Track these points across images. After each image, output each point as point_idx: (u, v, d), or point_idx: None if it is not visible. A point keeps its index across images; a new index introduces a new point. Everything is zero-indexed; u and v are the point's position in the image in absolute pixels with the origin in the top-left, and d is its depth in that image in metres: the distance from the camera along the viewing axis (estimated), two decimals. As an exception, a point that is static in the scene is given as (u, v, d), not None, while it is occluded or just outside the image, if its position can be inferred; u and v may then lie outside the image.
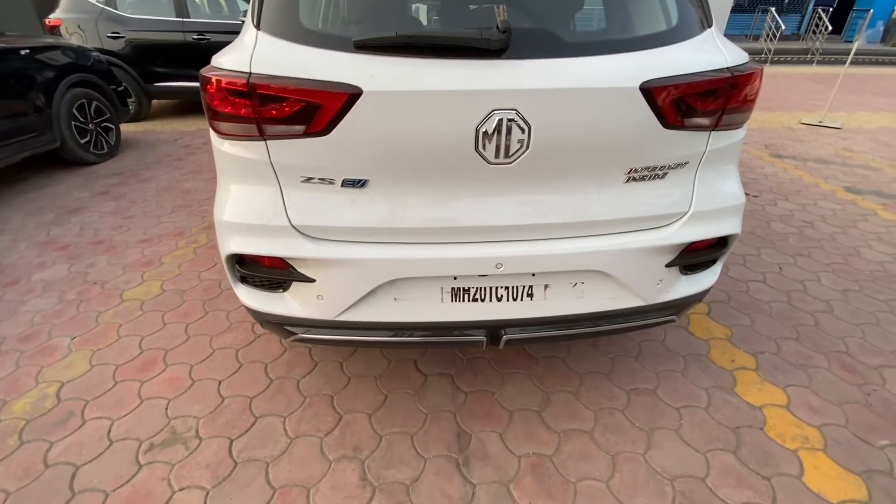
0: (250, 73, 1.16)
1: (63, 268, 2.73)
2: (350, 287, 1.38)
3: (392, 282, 1.38)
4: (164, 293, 2.49)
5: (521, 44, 1.17)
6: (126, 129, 5.44)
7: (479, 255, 1.34)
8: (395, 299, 1.41)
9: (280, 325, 1.50)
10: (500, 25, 1.12)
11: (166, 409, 1.78)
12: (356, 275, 1.36)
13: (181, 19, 5.58)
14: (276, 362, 2.01)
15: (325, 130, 1.19)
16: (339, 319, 1.43)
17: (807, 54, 12.74)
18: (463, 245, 1.36)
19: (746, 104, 1.34)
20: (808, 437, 1.66)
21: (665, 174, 1.38)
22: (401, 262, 1.34)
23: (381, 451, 1.62)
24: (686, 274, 1.57)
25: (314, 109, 1.16)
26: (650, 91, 1.21)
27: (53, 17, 5.42)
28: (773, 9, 11.66)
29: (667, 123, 1.26)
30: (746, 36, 15.97)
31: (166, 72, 5.72)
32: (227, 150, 1.30)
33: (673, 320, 1.61)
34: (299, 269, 1.38)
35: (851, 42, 6.34)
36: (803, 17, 17.44)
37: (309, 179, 1.28)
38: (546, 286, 1.44)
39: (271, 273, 1.42)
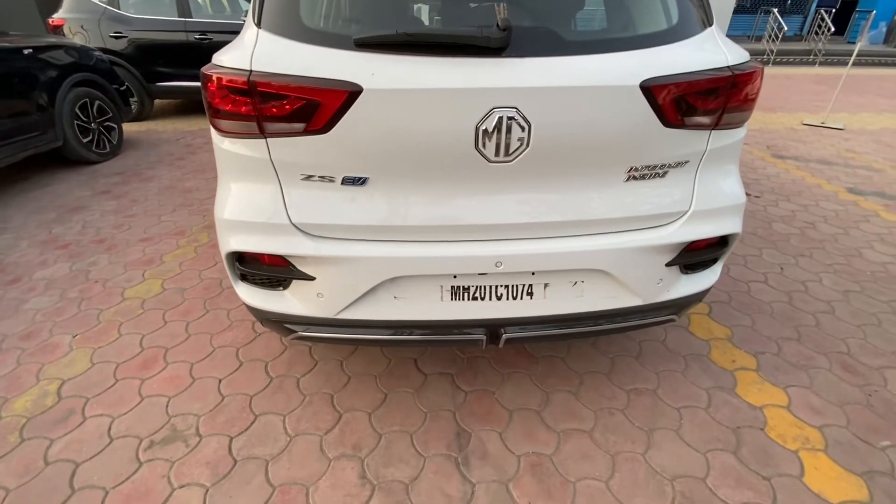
0: (251, 71, 1.16)
1: (64, 266, 2.74)
2: (350, 285, 1.38)
3: (392, 280, 1.38)
4: (165, 291, 2.49)
5: (521, 42, 1.17)
6: (128, 128, 5.46)
7: (478, 253, 1.34)
8: (395, 297, 1.41)
9: (280, 323, 1.51)
10: (500, 24, 1.12)
11: (166, 406, 1.79)
12: (356, 273, 1.36)
13: (183, 19, 5.60)
14: (277, 361, 2.01)
15: (326, 128, 1.19)
16: (338, 317, 1.43)
17: (809, 55, 12.72)
18: (463, 243, 1.36)
19: (747, 103, 1.34)
20: (808, 438, 1.66)
21: (665, 173, 1.38)
22: (401, 261, 1.34)
23: (380, 450, 1.62)
24: (686, 273, 1.57)
25: (314, 107, 1.17)
26: (650, 90, 1.21)
27: (57, 17, 5.44)
28: (775, 10, 11.66)
29: (667, 122, 1.26)
30: (749, 37, 15.94)
31: (168, 71, 5.74)
32: (227, 147, 1.30)
33: (673, 320, 1.61)
34: (299, 267, 1.38)
35: (854, 43, 6.33)
36: (806, 17, 17.40)
37: (309, 177, 1.29)
38: (546, 285, 1.44)
39: (271, 271, 1.42)
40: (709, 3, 1.37)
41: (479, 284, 1.42)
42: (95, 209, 3.50)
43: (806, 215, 3.42)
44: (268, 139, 1.23)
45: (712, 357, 2.04)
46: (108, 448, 1.62)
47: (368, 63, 1.15)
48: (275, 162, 1.27)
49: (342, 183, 1.29)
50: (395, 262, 1.35)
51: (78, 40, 5.08)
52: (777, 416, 1.75)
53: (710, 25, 1.36)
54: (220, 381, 1.91)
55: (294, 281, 1.43)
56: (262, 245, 1.35)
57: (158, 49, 5.63)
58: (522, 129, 1.19)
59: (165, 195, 3.76)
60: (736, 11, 14.63)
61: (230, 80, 1.17)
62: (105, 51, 5.04)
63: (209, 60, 1.28)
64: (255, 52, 1.18)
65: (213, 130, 1.33)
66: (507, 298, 1.44)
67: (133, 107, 5.63)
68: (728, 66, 1.27)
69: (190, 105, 6.87)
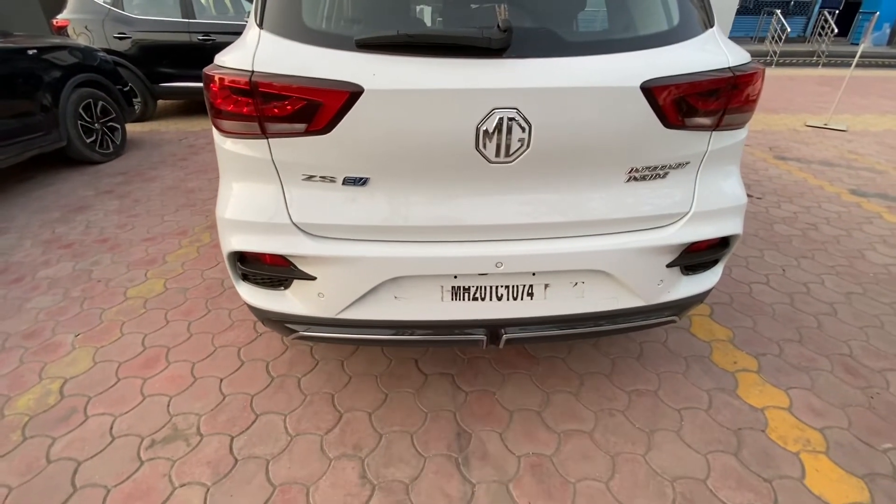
0: (253, 72, 1.17)
1: (68, 265, 2.75)
2: (351, 285, 1.38)
3: (392, 280, 1.38)
4: (168, 291, 2.50)
5: (522, 43, 1.17)
6: (131, 128, 5.48)
7: (479, 253, 1.35)
8: (396, 297, 1.42)
9: (281, 322, 1.51)
10: (500, 25, 1.12)
11: (168, 405, 1.79)
12: (357, 273, 1.36)
13: (187, 20, 5.62)
14: (278, 360, 2.02)
15: (327, 129, 1.19)
16: (339, 317, 1.43)
17: (812, 56, 12.68)
18: (463, 244, 1.36)
19: (748, 104, 1.34)
20: (809, 440, 1.65)
21: (666, 174, 1.38)
22: (401, 261, 1.35)
23: (380, 450, 1.62)
24: (687, 274, 1.57)
25: (316, 108, 1.17)
26: (651, 90, 1.21)
27: (61, 18, 5.47)
28: (778, 11, 11.63)
29: (668, 123, 1.26)
30: (752, 38, 15.91)
31: (172, 72, 5.76)
32: (229, 148, 1.31)
33: (674, 321, 1.61)
34: (300, 267, 1.38)
35: (857, 44, 6.31)
36: (809, 19, 17.35)
37: (310, 177, 1.29)
38: (546, 285, 1.44)
39: (273, 270, 1.43)
40: (710, 5, 1.37)
41: (479, 285, 1.42)
42: (99, 209, 3.51)
43: (808, 217, 3.42)
44: (269, 139, 1.24)
45: (713, 358, 2.04)
46: (110, 447, 1.63)
47: (369, 64, 1.16)
48: (276, 162, 1.27)
49: (343, 183, 1.29)
50: (396, 263, 1.35)
51: (82, 41, 5.11)
52: (778, 417, 1.74)
53: (712, 26, 1.36)
54: (221, 380, 1.92)
55: (295, 281, 1.43)
56: (263, 245, 1.36)
57: (162, 50, 5.65)
58: (523, 129, 1.19)
59: (168, 195, 3.77)
60: (739, 13, 14.62)
61: (232, 81, 1.18)
62: (109, 51, 5.06)
63: (212, 61, 1.29)
64: (256, 52, 1.19)
65: (215, 131, 1.33)
66: (508, 299, 1.44)
67: (136, 107, 5.64)
68: (729, 67, 1.27)
69: (193, 106, 6.90)
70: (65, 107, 4.02)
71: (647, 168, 1.35)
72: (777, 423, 1.72)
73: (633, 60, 1.23)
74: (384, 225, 1.33)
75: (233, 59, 1.21)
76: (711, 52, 1.30)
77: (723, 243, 1.55)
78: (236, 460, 1.58)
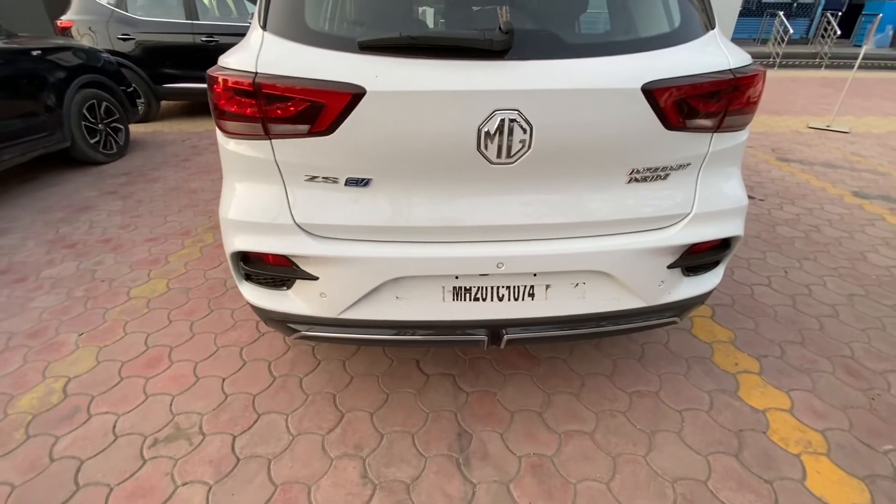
0: (256, 73, 1.18)
1: (71, 265, 2.76)
2: (352, 285, 1.39)
3: (394, 280, 1.39)
4: (170, 291, 2.52)
5: (523, 45, 1.18)
6: (135, 129, 5.51)
7: (480, 254, 1.35)
8: (397, 298, 1.42)
9: (283, 322, 1.52)
10: (502, 27, 1.13)
11: (171, 405, 1.80)
12: (359, 273, 1.37)
13: (190, 21, 5.65)
14: (280, 360, 2.02)
15: (329, 130, 1.20)
16: (341, 317, 1.44)
17: (815, 58, 12.66)
18: (465, 244, 1.37)
19: (749, 106, 1.34)
20: (811, 442, 1.65)
21: (667, 175, 1.38)
22: (403, 261, 1.35)
23: (382, 450, 1.63)
24: (688, 275, 1.57)
25: (318, 109, 1.18)
26: (652, 92, 1.21)
27: (65, 19, 5.50)
28: (781, 13, 11.61)
29: (669, 125, 1.27)
30: (755, 40, 15.89)
31: (175, 73, 5.79)
32: (232, 148, 1.32)
33: (675, 322, 1.61)
34: (303, 267, 1.39)
35: (860, 46, 6.30)
36: (812, 21, 17.32)
37: (313, 178, 1.30)
38: (547, 286, 1.44)
39: (275, 270, 1.44)
40: (711, 7, 1.37)
41: (480, 285, 1.43)
42: (102, 209, 3.53)
43: (810, 219, 3.41)
44: (272, 140, 1.25)
45: (715, 360, 2.04)
46: (113, 445, 1.64)
47: (372, 65, 1.17)
48: (279, 163, 1.28)
49: (345, 184, 1.30)
50: (398, 263, 1.36)
51: (86, 42, 5.14)
52: (779, 419, 1.74)
53: (713, 28, 1.36)
54: (223, 380, 1.92)
55: (297, 281, 1.44)
56: (266, 245, 1.37)
57: (165, 51, 5.68)
58: (524, 131, 1.20)
59: (171, 196, 3.79)
60: (742, 14, 14.60)
61: (236, 82, 1.19)
62: (113, 52, 5.08)
63: (215, 62, 1.30)
64: (260, 54, 1.20)
65: (218, 131, 1.34)
66: (509, 299, 1.45)
67: (140, 108, 5.67)
68: (730, 69, 1.28)
69: (196, 107, 6.92)
70: (69, 107, 4.04)
71: (649, 169, 1.35)
72: (778, 425, 1.72)
73: (635, 62, 1.24)
74: (386, 225, 1.34)
75: (236, 61, 1.22)
76: (712, 54, 1.30)
77: (724, 245, 1.55)
78: (238, 459, 1.59)
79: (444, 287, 1.42)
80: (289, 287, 1.47)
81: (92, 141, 4.33)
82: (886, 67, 12.16)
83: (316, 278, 1.39)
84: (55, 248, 2.97)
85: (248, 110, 1.21)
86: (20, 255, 2.88)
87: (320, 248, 1.34)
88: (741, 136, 1.43)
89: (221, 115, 1.26)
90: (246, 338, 2.16)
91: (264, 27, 1.25)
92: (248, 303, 1.54)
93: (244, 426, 1.71)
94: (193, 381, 1.91)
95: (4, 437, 1.67)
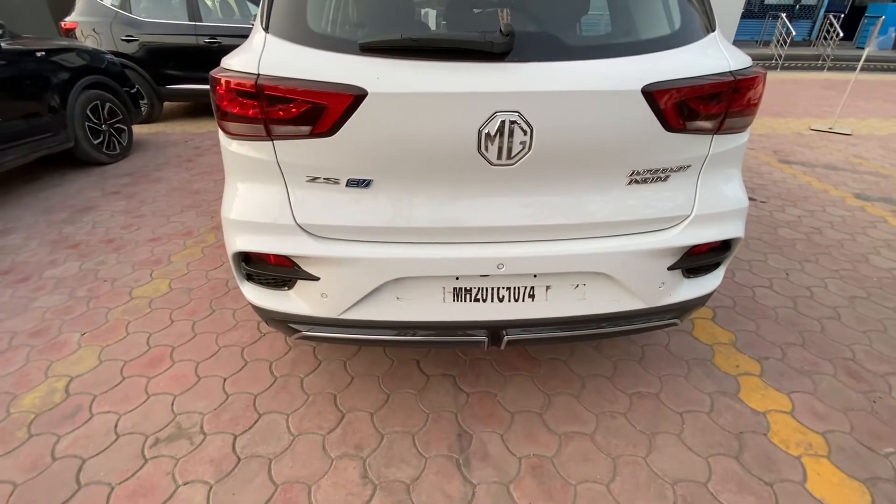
0: (258, 75, 1.18)
1: (74, 265, 2.78)
2: (353, 285, 1.39)
3: (395, 281, 1.39)
4: (172, 291, 2.53)
5: (524, 47, 1.18)
6: (138, 130, 5.53)
7: (481, 255, 1.36)
8: (398, 298, 1.43)
9: (285, 322, 1.52)
10: (503, 29, 1.13)
11: (172, 404, 1.81)
12: (359, 273, 1.37)
13: (193, 23, 5.68)
14: (281, 360, 2.03)
15: (331, 131, 1.21)
16: (342, 318, 1.44)
17: (817, 60, 12.65)
18: (465, 245, 1.37)
19: (749, 108, 1.35)
20: (811, 444, 1.65)
21: (667, 177, 1.38)
22: (404, 262, 1.36)
23: (382, 450, 1.63)
24: (689, 277, 1.57)
25: (320, 110, 1.19)
26: (652, 94, 1.22)
27: (69, 20, 5.54)
28: (783, 14, 11.61)
29: (669, 126, 1.27)
30: (757, 42, 15.88)
31: (178, 74, 5.82)
32: (234, 149, 1.33)
33: (675, 323, 1.61)
34: (304, 268, 1.40)
35: (862, 48, 6.29)
36: (814, 23, 17.31)
37: (314, 179, 1.31)
38: (547, 287, 1.45)
39: (277, 271, 1.44)
40: (711, 9, 1.38)
41: (481, 286, 1.43)
42: (105, 209, 3.55)
43: (812, 220, 3.41)
44: (274, 141, 1.25)
45: (716, 362, 2.04)
46: (115, 445, 1.65)
47: (373, 67, 1.18)
48: (281, 164, 1.29)
49: (347, 185, 1.31)
50: (399, 264, 1.36)
51: (90, 43, 5.16)
52: (780, 421, 1.74)
53: (713, 31, 1.37)
54: (224, 380, 1.93)
55: (299, 281, 1.44)
56: (267, 245, 1.37)
57: (168, 52, 5.71)
58: (524, 132, 1.20)
59: (174, 196, 3.80)
60: (744, 16, 14.57)
61: (238, 84, 1.20)
62: (116, 54, 5.11)
63: (218, 64, 1.31)
64: (262, 56, 1.21)
65: (220, 132, 1.35)
66: (509, 300, 1.45)
67: (143, 109, 5.71)
68: (730, 72, 1.28)
69: (198, 108, 6.95)
70: (72, 108, 4.06)
71: (649, 171, 1.36)
72: (779, 427, 1.72)
73: (635, 64, 1.24)
74: (387, 226, 1.34)
75: (239, 63, 1.23)
76: (712, 56, 1.30)
77: (724, 246, 1.55)
78: (239, 459, 1.59)
79: (444, 288, 1.42)
80: (290, 287, 1.48)
81: (95, 142, 4.35)
82: (889, 70, 12.13)
83: (317, 279, 1.40)
84: (58, 248, 2.98)
85: (251, 112, 1.22)
86: (23, 254, 2.90)
87: (321, 249, 1.35)
88: (742, 138, 1.44)
89: (224, 117, 1.27)
90: (247, 338, 2.17)
91: (266, 29, 1.26)
92: (249, 303, 1.55)
93: (245, 426, 1.72)
94: (195, 381, 1.92)
95: (7, 435, 1.68)
